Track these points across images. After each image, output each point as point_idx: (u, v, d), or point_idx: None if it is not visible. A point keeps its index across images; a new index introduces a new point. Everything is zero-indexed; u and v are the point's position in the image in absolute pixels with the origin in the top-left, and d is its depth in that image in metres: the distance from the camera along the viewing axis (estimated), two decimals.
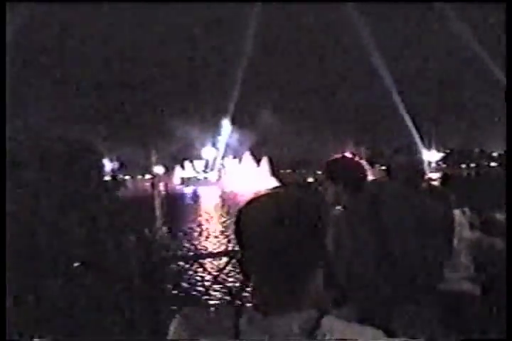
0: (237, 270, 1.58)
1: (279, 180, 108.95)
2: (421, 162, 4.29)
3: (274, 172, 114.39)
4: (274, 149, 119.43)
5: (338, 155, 3.96)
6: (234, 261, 4.22)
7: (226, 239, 21.30)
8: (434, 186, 5.20)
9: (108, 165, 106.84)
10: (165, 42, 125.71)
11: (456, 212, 5.00)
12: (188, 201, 63.43)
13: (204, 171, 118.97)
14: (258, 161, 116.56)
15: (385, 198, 3.72)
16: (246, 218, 1.62)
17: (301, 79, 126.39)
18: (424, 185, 4.34)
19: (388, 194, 3.78)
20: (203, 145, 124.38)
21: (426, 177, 4.37)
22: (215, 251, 17.46)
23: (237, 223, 1.65)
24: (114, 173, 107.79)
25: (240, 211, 1.65)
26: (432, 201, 3.94)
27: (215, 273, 4.84)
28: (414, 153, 4.32)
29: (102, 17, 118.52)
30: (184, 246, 19.41)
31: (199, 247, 19.48)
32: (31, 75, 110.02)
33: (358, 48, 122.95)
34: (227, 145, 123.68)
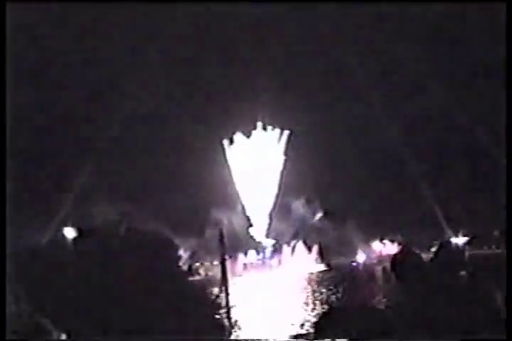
0: None
1: (327, 264, 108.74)
2: (462, 256, 4.54)
3: (323, 257, 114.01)
4: (317, 237, 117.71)
5: (397, 250, 4.46)
6: None
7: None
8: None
9: (183, 254, 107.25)
10: None
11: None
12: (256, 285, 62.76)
13: (264, 257, 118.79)
14: (309, 248, 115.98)
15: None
16: None
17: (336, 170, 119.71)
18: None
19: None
20: (261, 235, 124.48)
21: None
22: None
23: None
24: (189, 262, 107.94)
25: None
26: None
27: None
28: (455, 249, 4.62)
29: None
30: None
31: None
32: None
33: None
34: (278, 234, 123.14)
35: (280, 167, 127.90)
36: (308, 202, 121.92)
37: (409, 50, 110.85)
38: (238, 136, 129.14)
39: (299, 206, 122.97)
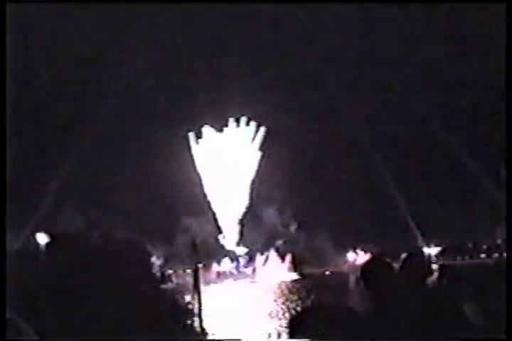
0: None
1: (301, 273, 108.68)
2: (430, 265, 4.78)
3: (296, 266, 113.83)
4: (290, 246, 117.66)
5: (367, 258, 4.57)
6: None
7: None
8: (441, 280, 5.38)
9: (156, 261, 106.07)
10: None
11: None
12: (230, 294, 62.42)
13: (238, 266, 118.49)
14: (282, 257, 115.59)
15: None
16: None
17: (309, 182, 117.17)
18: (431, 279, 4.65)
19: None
20: (231, 242, 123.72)
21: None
22: None
23: None
24: (161, 269, 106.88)
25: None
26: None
27: None
28: (423, 258, 4.81)
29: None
30: None
31: None
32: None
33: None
34: (249, 242, 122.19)
35: (253, 168, 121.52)
36: (280, 211, 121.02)
37: (385, 49, 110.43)
38: (207, 130, 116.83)
39: (270, 214, 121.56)
